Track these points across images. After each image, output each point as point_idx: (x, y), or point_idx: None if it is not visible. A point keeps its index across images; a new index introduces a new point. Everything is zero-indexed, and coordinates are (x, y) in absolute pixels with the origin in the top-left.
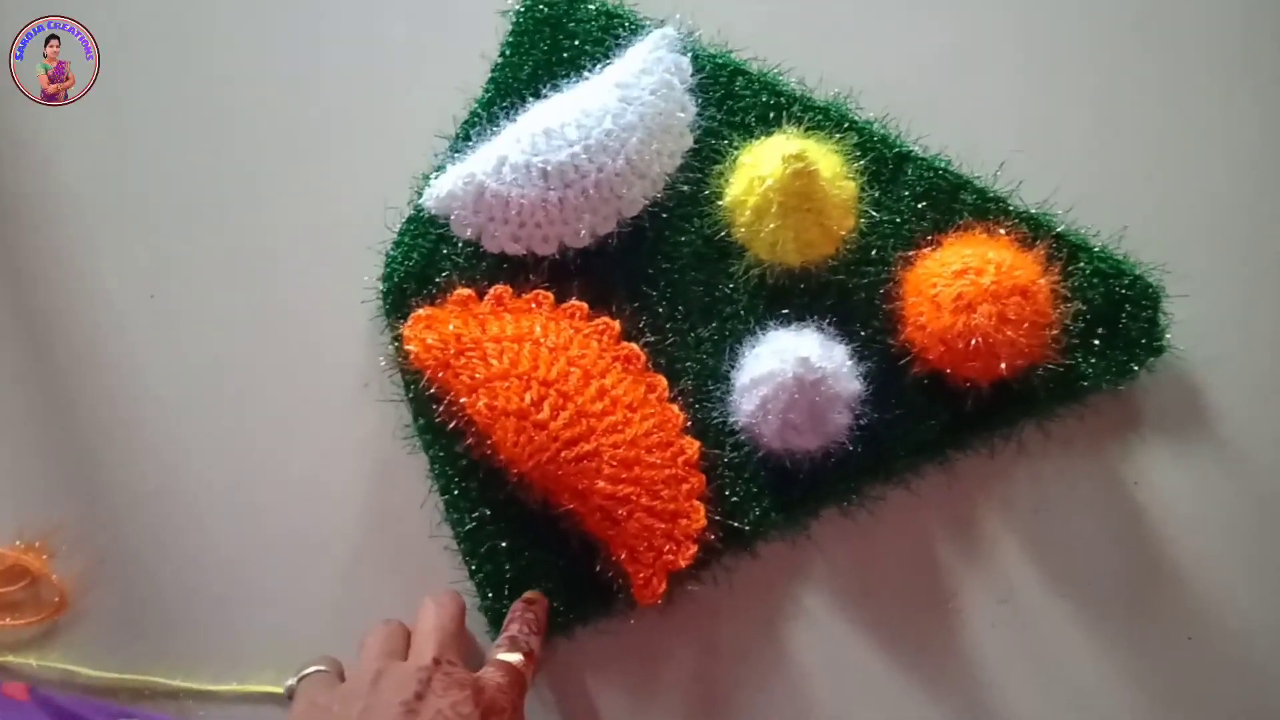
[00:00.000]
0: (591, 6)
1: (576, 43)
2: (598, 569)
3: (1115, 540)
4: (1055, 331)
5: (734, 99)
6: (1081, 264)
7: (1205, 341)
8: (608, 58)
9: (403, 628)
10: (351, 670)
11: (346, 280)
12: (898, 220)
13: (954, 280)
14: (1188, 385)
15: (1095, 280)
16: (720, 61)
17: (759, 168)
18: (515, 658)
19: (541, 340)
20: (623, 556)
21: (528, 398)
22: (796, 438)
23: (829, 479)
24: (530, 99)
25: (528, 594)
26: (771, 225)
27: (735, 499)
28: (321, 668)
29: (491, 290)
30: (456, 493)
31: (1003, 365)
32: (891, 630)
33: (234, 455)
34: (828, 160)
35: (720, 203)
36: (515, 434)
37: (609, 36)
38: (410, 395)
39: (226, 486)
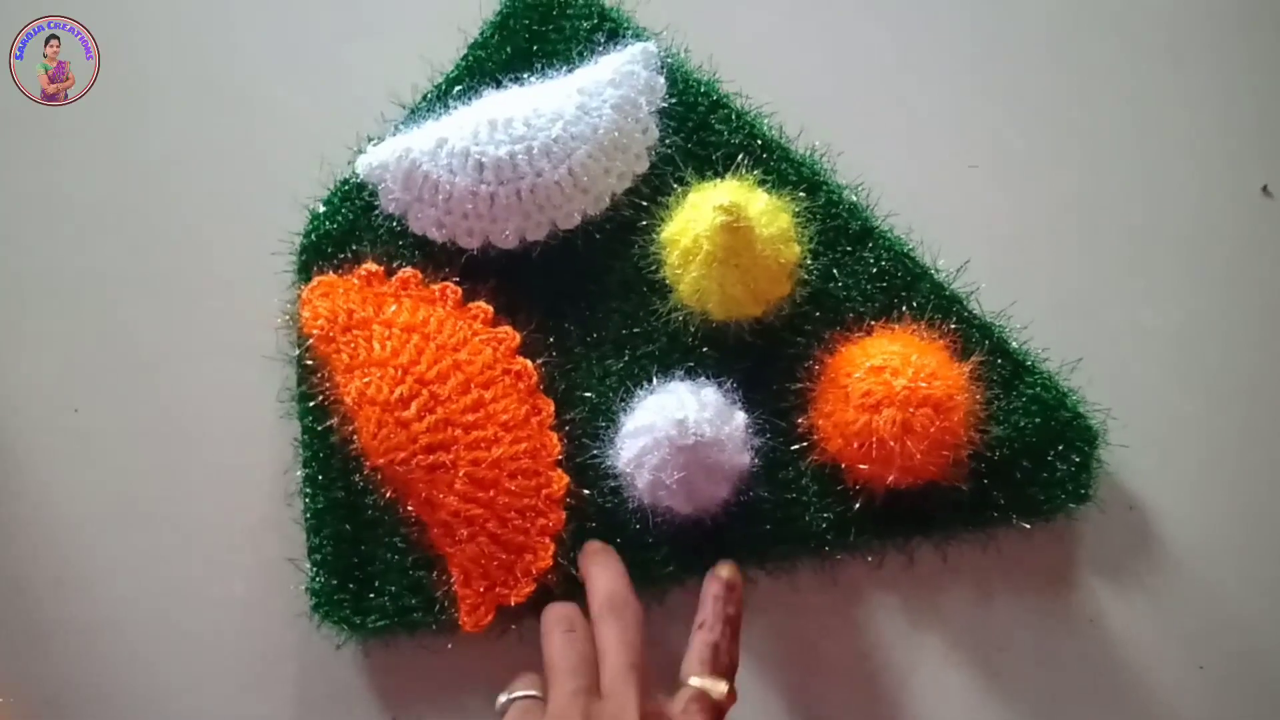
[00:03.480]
0: (586, 3)
1: (564, 36)
2: (435, 581)
3: (988, 686)
4: (963, 454)
5: (705, 131)
6: (1023, 386)
7: (1135, 497)
8: (591, 58)
9: (589, 645)
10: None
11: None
12: (841, 297)
13: (868, 375)
14: (1106, 536)
15: (1034, 408)
16: (702, 90)
17: (698, 209)
18: (720, 689)
19: (432, 335)
20: (456, 577)
21: (398, 392)
22: (667, 498)
23: (694, 549)
24: (495, 86)
25: (724, 571)
26: (695, 273)
27: None
28: (532, 692)
29: (400, 272)
30: (317, 467)
31: (891, 477)
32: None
33: (160, 578)
34: (776, 219)
35: (657, 236)
36: (376, 426)
37: (595, 38)
38: (297, 358)
39: (157, 615)
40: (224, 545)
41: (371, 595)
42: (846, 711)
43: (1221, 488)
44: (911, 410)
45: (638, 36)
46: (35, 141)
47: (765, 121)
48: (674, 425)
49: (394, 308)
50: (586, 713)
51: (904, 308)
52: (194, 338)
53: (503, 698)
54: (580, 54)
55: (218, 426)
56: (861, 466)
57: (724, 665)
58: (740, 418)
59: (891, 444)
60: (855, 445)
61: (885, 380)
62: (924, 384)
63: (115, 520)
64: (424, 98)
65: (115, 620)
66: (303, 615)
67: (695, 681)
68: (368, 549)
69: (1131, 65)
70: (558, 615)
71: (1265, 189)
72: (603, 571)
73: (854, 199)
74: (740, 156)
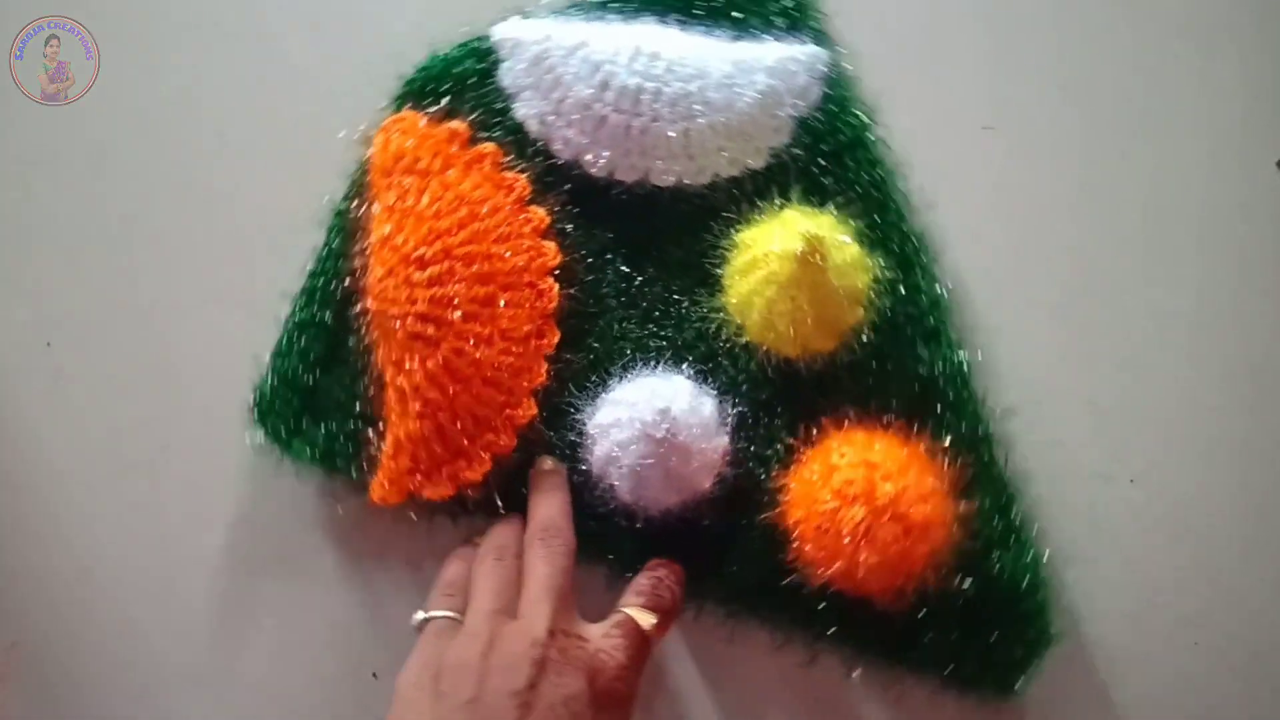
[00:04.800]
0: None
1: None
2: (369, 439)
3: None
4: (910, 587)
5: (836, 161)
6: (1005, 555)
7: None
8: (761, 35)
9: (516, 572)
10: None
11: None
12: (874, 383)
13: (860, 465)
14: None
15: (1001, 578)
16: (853, 121)
17: (786, 226)
18: (649, 621)
19: (481, 218)
20: (388, 446)
21: (421, 251)
22: (615, 476)
23: (615, 537)
24: (658, 18)
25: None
26: (749, 285)
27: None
28: (448, 613)
29: (483, 145)
30: (320, 282)
31: (829, 571)
32: None
33: (145, 525)
34: (854, 275)
35: (735, 233)
36: (386, 272)
37: (776, 18)
38: (354, 174)
39: (141, 559)
40: (201, 489)
41: (309, 423)
42: None
43: (1222, 470)
44: (883, 520)
45: (818, 38)
46: (35, 141)
47: (900, 179)
48: (655, 412)
49: (458, 174)
50: (496, 631)
51: (930, 423)
52: (176, 275)
53: (419, 615)
54: (753, 27)
55: (195, 363)
56: (808, 546)
57: (661, 600)
58: (721, 442)
59: (845, 541)
60: (813, 524)
61: (872, 479)
62: (907, 501)
63: (90, 461)
64: None
65: (85, 566)
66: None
67: (626, 609)
68: (326, 380)
69: (1144, 39)
70: (492, 542)
71: (1279, 164)
72: (544, 499)
73: (942, 294)
74: (856, 203)
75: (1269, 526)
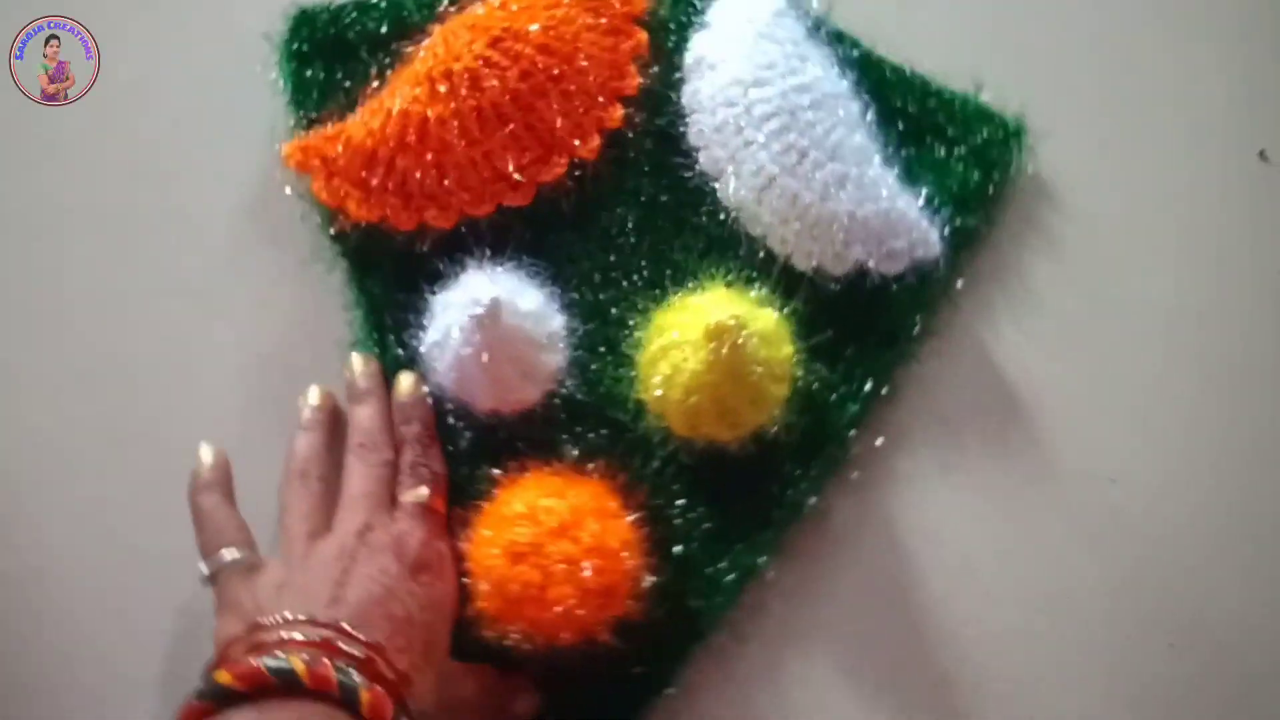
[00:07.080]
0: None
1: (935, 139)
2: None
3: None
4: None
5: (862, 321)
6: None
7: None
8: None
9: (322, 486)
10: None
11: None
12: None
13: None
14: None
15: None
16: (906, 318)
17: (731, 304)
18: (421, 494)
19: (580, 70)
20: (339, 124)
21: (501, 35)
22: (452, 372)
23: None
24: (855, 80)
25: (402, 391)
26: (657, 345)
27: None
28: (236, 556)
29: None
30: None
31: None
32: None
33: (97, 527)
34: (761, 402)
35: (706, 278)
36: (469, 23)
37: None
38: None
39: (91, 565)
40: (156, 496)
41: (317, 63)
42: None
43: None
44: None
45: (963, 236)
46: (35, 141)
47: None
48: (480, 293)
49: (595, 20)
50: (307, 550)
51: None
52: (131, 278)
53: (204, 568)
54: (912, 170)
55: (152, 371)
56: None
57: (422, 474)
58: (557, 322)
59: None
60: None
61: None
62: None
63: (45, 470)
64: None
65: (36, 567)
66: None
67: (401, 499)
68: (363, 54)
69: (1124, 27)
70: (296, 460)
71: (1262, 154)
72: (360, 406)
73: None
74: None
75: (1248, 527)
